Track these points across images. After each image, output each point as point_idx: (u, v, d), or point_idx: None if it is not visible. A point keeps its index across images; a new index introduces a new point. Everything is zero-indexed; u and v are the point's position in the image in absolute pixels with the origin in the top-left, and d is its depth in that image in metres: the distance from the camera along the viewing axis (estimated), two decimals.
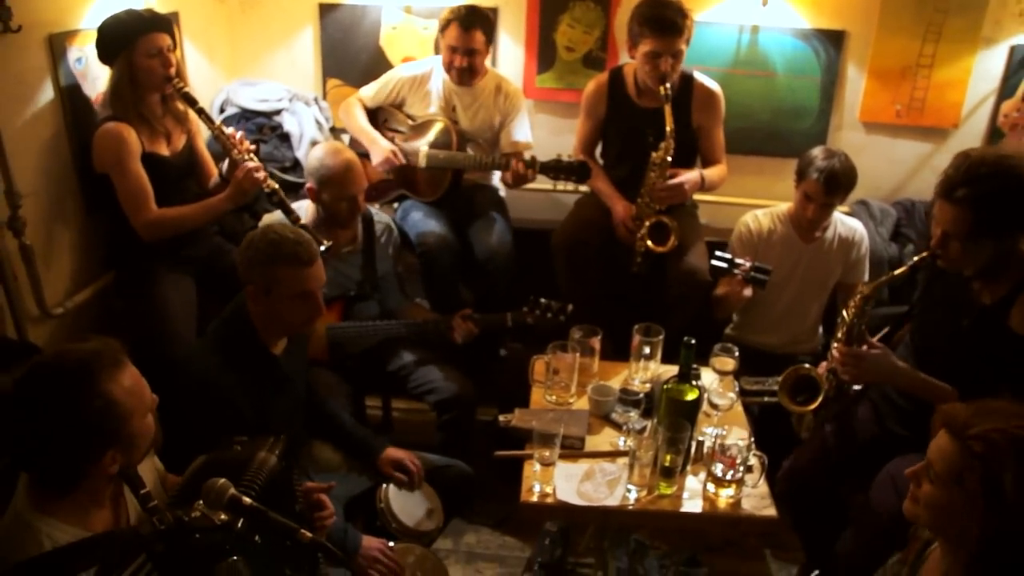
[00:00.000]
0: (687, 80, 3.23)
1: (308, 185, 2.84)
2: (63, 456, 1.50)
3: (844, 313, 2.54)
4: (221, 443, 1.84)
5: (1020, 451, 1.40)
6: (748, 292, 3.01)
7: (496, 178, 3.60)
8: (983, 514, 1.42)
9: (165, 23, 2.75)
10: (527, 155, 3.23)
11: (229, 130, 2.84)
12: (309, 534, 1.47)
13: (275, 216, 2.94)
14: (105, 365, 1.53)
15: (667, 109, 3.05)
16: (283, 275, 2.14)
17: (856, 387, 2.68)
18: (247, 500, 1.45)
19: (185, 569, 1.44)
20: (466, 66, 3.28)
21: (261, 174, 2.79)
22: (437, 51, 3.64)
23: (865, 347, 2.44)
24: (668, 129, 3.06)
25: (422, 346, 3.02)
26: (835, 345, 2.53)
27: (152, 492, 1.67)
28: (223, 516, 1.44)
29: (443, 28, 3.28)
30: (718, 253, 3.03)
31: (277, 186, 2.83)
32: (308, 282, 2.18)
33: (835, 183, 2.95)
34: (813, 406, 2.57)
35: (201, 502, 1.45)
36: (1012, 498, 1.39)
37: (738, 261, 2.97)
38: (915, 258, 2.39)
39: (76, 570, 1.38)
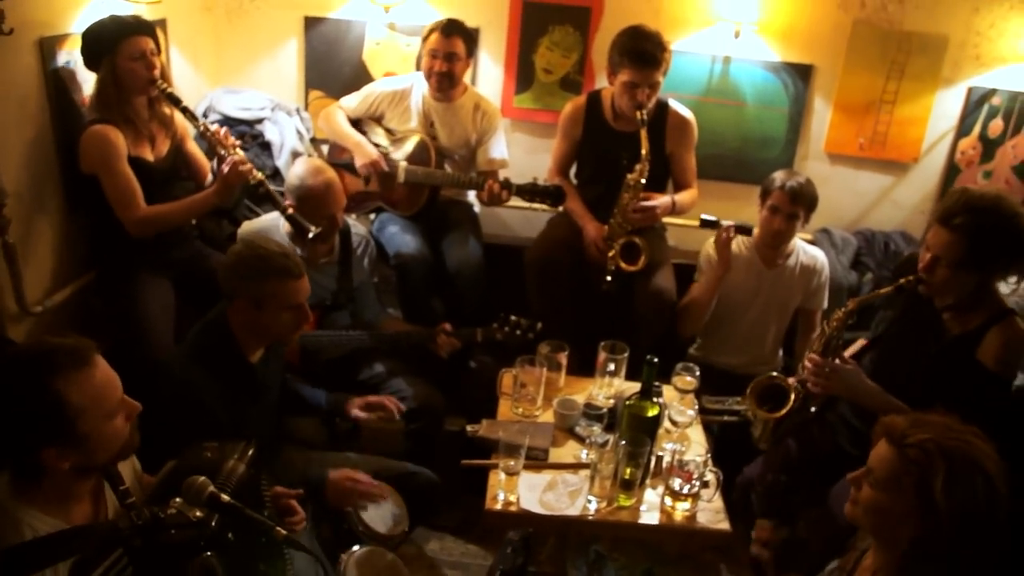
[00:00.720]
0: (662, 107, 3.34)
1: (288, 202, 2.89)
2: (6, 443, 1.53)
3: (824, 326, 2.64)
4: (192, 448, 1.89)
5: (950, 459, 1.53)
6: (733, 246, 3.19)
7: (472, 194, 3.69)
8: (916, 516, 1.55)
9: (148, 27, 2.80)
10: (502, 175, 3.32)
11: (214, 127, 2.90)
12: (283, 531, 1.53)
13: (254, 225, 3.00)
14: (64, 363, 1.53)
15: (643, 133, 3.14)
16: (275, 289, 2.20)
17: (813, 409, 2.80)
18: (225, 497, 1.51)
19: (160, 564, 1.47)
20: (445, 71, 3.35)
21: (247, 166, 2.84)
22: (419, 67, 3.73)
23: (838, 361, 2.54)
24: (643, 152, 3.15)
25: (393, 356, 3.08)
26: (809, 355, 2.61)
27: (131, 489, 1.73)
28: (198, 513, 1.47)
29: (425, 38, 3.37)
30: (703, 216, 3.25)
31: (262, 177, 2.89)
32: (298, 295, 2.26)
33: (799, 192, 3.07)
34: (780, 413, 2.66)
35: (178, 499, 1.50)
36: (941, 502, 1.51)
37: (724, 222, 3.16)
38: (902, 280, 2.48)
39: (56, 559, 1.43)
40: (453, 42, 3.32)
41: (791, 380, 2.69)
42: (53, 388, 1.51)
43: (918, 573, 1.59)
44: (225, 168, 2.82)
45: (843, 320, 2.59)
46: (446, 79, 3.38)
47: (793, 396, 2.63)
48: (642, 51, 3.09)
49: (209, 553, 1.46)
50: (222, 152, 2.84)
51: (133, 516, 1.49)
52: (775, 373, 2.71)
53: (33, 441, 1.52)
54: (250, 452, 1.83)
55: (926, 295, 2.46)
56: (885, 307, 2.82)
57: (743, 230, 3.13)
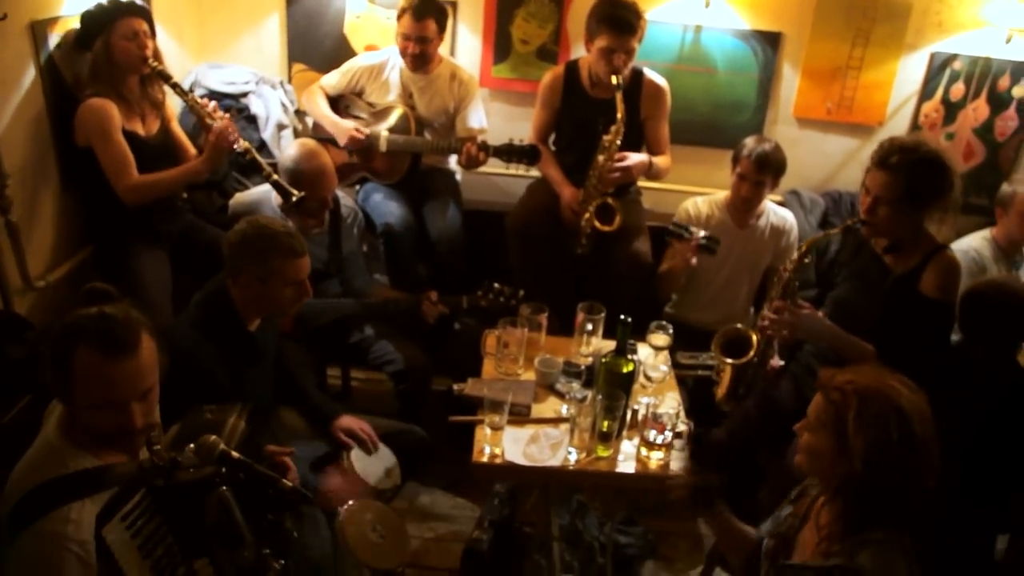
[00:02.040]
0: (637, 75, 3.43)
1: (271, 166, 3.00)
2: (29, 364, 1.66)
3: (781, 270, 2.80)
4: (193, 411, 2.02)
5: (864, 398, 1.68)
6: (694, 261, 3.27)
7: (452, 161, 3.79)
8: (834, 453, 1.70)
9: (142, 10, 2.91)
10: (480, 139, 3.42)
11: (203, 100, 3.01)
12: (289, 483, 1.67)
13: (245, 197, 3.11)
14: (94, 339, 1.59)
15: (619, 97, 3.24)
16: (279, 266, 2.33)
17: (780, 363, 2.96)
18: (235, 454, 1.65)
19: (180, 500, 1.62)
20: (418, 53, 3.45)
21: (233, 132, 2.95)
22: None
23: (797, 304, 2.71)
24: (619, 115, 3.24)
25: (378, 318, 3.20)
26: (770, 304, 2.76)
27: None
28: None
29: (399, 17, 3.44)
30: (675, 221, 3.30)
31: (248, 145, 3.01)
32: (300, 271, 2.39)
33: (765, 161, 3.22)
34: (744, 359, 2.80)
35: (191, 445, 1.64)
36: (851, 436, 1.67)
37: (692, 229, 3.23)
38: (848, 221, 2.70)
39: (84, 493, 1.56)
40: (425, 25, 3.39)
41: (751, 328, 2.84)
42: (71, 350, 1.59)
43: (856, 512, 1.71)
44: (212, 136, 2.92)
45: (798, 263, 2.75)
46: (419, 59, 3.48)
47: (756, 342, 2.77)
48: (618, 17, 3.18)
49: (224, 488, 1.59)
50: (209, 123, 2.95)
51: (155, 459, 1.62)
52: (739, 325, 2.85)
53: (42, 372, 1.63)
54: (247, 411, 1.95)
55: (868, 236, 2.68)
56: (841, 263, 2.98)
57: (708, 249, 3.21)
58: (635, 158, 3.39)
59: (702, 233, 3.23)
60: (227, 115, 3.05)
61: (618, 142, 3.30)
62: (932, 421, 1.68)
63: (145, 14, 2.91)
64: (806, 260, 2.78)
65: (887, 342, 2.58)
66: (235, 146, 2.96)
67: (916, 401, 1.68)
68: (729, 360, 2.82)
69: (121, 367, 1.61)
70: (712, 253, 3.23)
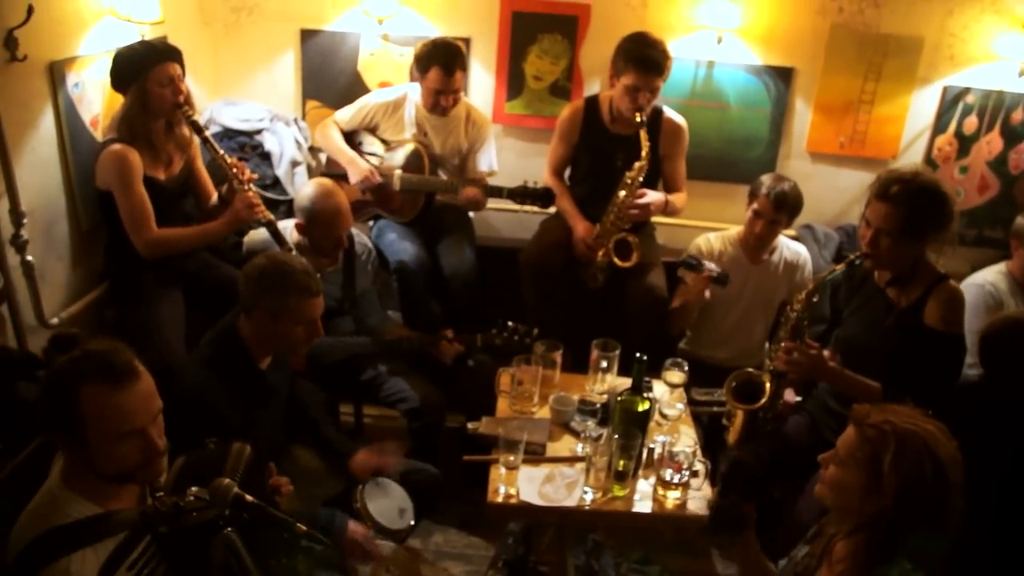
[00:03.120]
0: (657, 113, 3.44)
1: (297, 221, 3.01)
2: (31, 411, 1.64)
3: (788, 310, 2.77)
4: (193, 446, 1.98)
5: (901, 440, 1.66)
6: (708, 294, 3.25)
7: None
8: (866, 490, 1.68)
9: (176, 53, 2.91)
10: (485, 181, 3.46)
11: (231, 159, 3.00)
12: (303, 527, 1.65)
13: (260, 235, 3.12)
14: (95, 373, 1.60)
15: (642, 134, 3.26)
16: (295, 305, 2.32)
17: (796, 399, 2.93)
18: (248, 498, 1.63)
19: (185, 546, 1.58)
20: (451, 103, 3.48)
21: (259, 207, 2.96)
22: (412, 77, 3.83)
23: (805, 344, 2.68)
24: (643, 152, 3.27)
25: (393, 356, 3.19)
26: (780, 344, 2.73)
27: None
28: None
29: (423, 69, 3.43)
30: (688, 254, 3.28)
31: (272, 217, 3.01)
32: (315, 311, 2.39)
33: (783, 200, 3.21)
34: (757, 405, 2.76)
35: (194, 488, 1.61)
36: (887, 476, 1.64)
37: (706, 263, 3.21)
38: (851, 256, 2.68)
39: (87, 542, 1.55)
40: (455, 79, 3.41)
41: (763, 372, 2.80)
42: (74, 389, 1.59)
43: (876, 552, 1.70)
44: (239, 204, 2.92)
45: (806, 302, 2.73)
46: (451, 107, 3.51)
47: (768, 388, 2.73)
48: (647, 58, 3.20)
49: (230, 529, 1.56)
50: (237, 187, 2.95)
51: (157, 504, 1.60)
52: (750, 369, 2.82)
53: (44, 419, 1.63)
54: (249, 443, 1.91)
55: (872, 269, 2.67)
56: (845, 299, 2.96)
57: (719, 281, 3.19)
58: (653, 196, 3.40)
59: (715, 266, 3.21)
60: (255, 177, 3.05)
61: (640, 179, 3.31)
62: (963, 469, 1.66)
63: (178, 56, 2.90)
64: (814, 299, 2.75)
65: (896, 377, 2.55)
66: (260, 218, 2.97)
67: (951, 449, 1.67)
68: (741, 405, 2.79)
69: (130, 393, 1.63)
70: (723, 285, 3.21)
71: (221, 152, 2.99)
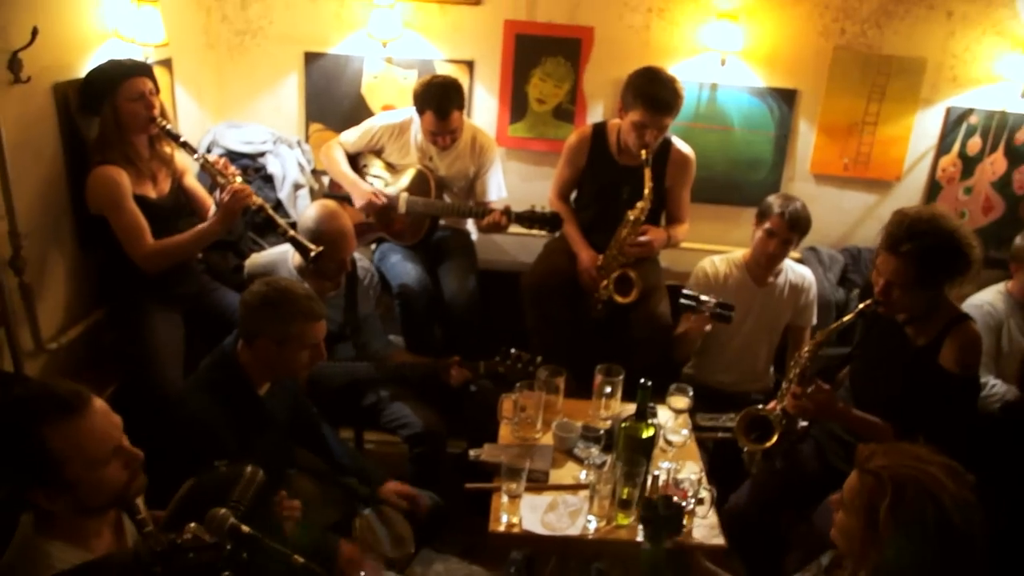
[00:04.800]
0: (665, 143, 3.41)
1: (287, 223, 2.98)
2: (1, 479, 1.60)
3: (797, 356, 2.76)
4: (206, 468, 1.96)
5: (898, 486, 1.59)
6: (708, 327, 3.21)
7: (470, 222, 3.78)
8: (866, 538, 1.63)
9: (145, 68, 2.90)
10: (501, 204, 3.42)
11: (213, 157, 2.98)
12: (301, 559, 1.61)
13: (260, 258, 3.10)
14: (50, 410, 1.57)
15: (647, 172, 3.23)
16: (299, 331, 2.30)
17: (803, 425, 2.90)
18: (245, 528, 1.60)
19: None
20: (448, 142, 3.48)
21: (246, 192, 2.92)
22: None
23: (814, 388, 2.65)
24: (646, 191, 3.24)
25: (397, 382, 3.16)
26: (786, 386, 2.74)
27: (147, 519, 1.81)
28: (212, 537, 1.54)
29: (419, 111, 3.42)
30: (685, 292, 3.22)
31: (262, 202, 2.98)
32: (320, 334, 2.37)
33: (796, 220, 3.18)
34: (767, 444, 2.73)
35: (193, 525, 1.58)
36: (883, 527, 1.59)
37: (703, 298, 3.17)
38: (860, 305, 2.65)
39: None
40: (450, 121, 3.38)
41: (771, 405, 2.78)
42: (37, 434, 1.55)
43: None
44: (226, 196, 2.89)
45: (813, 351, 2.72)
46: (448, 146, 3.51)
47: (776, 427, 2.71)
48: (656, 97, 3.16)
49: (227, 573, 1.53)
50: (222, 181, 2.92)
51: (152, 543, 1.56)
52: (760, 406, 2.79)
53: (19, 481, 1.58)
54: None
55: (884, 314, 2.62)
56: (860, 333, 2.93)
57: (722, 317, 3.14)
58: (656, 235, 3.39)
59: (714, 301, 3.16)
60: (238, 172, 3.02)
61: (643, 218, 3.29)
62: (977, 510, 1.59)
63: (148, 71, 2.89)
64: (819, 351, 2.74)
65: (909, 416, 2.52)
66: (250, 204, 2.94)
67: (957, 492, 1.58)
68: (753, 445, 2.77)
69: (93, 416, 1.62)
70: (727, 321, 3.16)
71: (201, 154, 2.97)
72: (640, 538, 2.35)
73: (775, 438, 2.71)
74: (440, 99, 3.34)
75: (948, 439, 2.01)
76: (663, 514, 2.10)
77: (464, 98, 3.47)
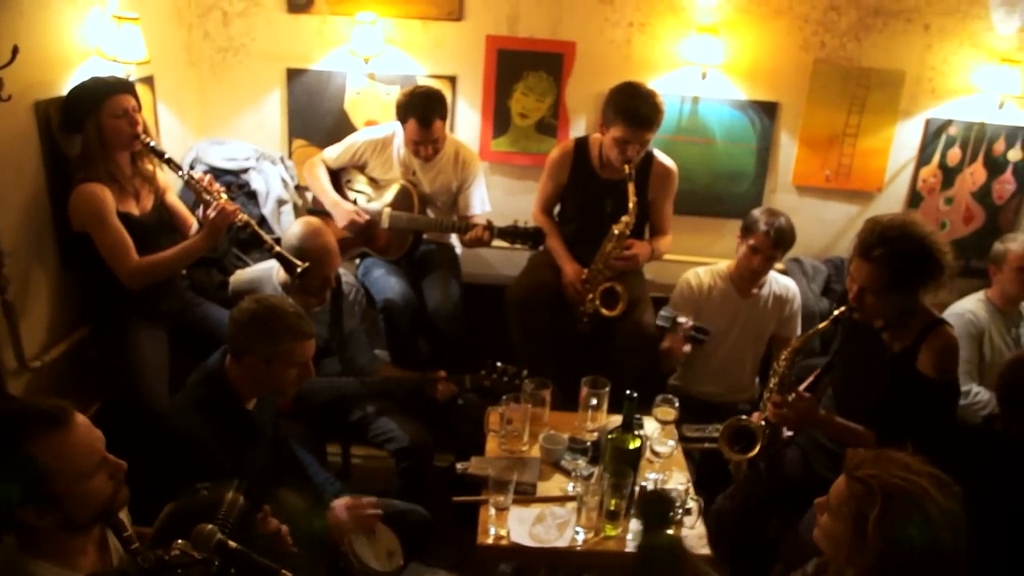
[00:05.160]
0: (647, 157, 3.42)
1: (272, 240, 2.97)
2: None
3: (775, 365, 2.78)
4: (187, 491, 1.95)
5: (887, 496, 1.60)
6: (687, 348, 3.24)
7: (453, 236, 3.79)
8: (853, 545, 1.63)
9: (127, 86, 2.89)
10: (484, 219, 3.43)
11: (197, 174, 2.97)
12: (288, 574, 1.61)
13: (245, 275, 3.09)
14: (36, 426, 1.58)
15: (630, 187, 3.24)
16: (287, 349, 2.30)
17: (788, 433, 2.92)
18: (232, 544, 1.59)
19: None
20: (432, 152, 3.48)
21: (232, 208, 2.91)
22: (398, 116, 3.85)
23: (794, 396, 2.67)
24: (631, 206, 3.25)
25: (383, 397, 3.15)
26: (768, 395, 2.76)
27: (133, 536, 1.80)
28: (199, 553, 1.54)
29: (402, 120, 3.43)
30: (663, 313, 3.24)
31: (247, 218, 2.97)
32: (308, 352, 2.37)
33: (781, 238, 3.21)
34: (751, 454, 2.76)
35: (181, 541, 1.57)
36: (871, 536, 1.59)
37: (680, 320, 3.19)
38: (835, 311, 2.67)
39: None
40: (433, 130, 3.39)
41: (755, 417, 2.80)
42: (25, 451, 1.55)
43: None
44: (212, 213, 2.88)
45: (791, 358, 2.75)
46: (432, 156, 3.51)
47: (760, 437, 2.73)
48: (637, 113, 3.17)
49: None
50: (207, 198, 2.91)
51: (139, 560, 1.55)
52: (743, 416, 2.80)
53: (8, 500, 1.57)
54: (244, 486, 1.88)
55: (860, 320, 2.64)
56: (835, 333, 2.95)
57: (697, 340, 3.20)
58: (640, 249, 3.40)
59: (690, 323, 3.21)
60: (223, 189, 3.02)
61: (628, 232, 3.31)
62: (964, 522, 1.59)
63: (131, 88, 2.89)
64: (796, 359, 2.77)
65: (890, 423, 2.54)
66: (236, 220, 2.93)
67: (946, 504, 1.59)
68: (738, 455, 2.79)
69: (78, 429, 1.64)
70: (700, 343, 3.21)
71: (185, 171, 2.96)
72: (630, 538, 2.37)
73: (758, 448, 2.73)
74: (423, 108, 3.36)
75: (930, 445, 2.03)
76: (659, 504, 2.10)
77: (447, 108, 3.48)
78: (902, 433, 2.46)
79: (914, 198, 4.09)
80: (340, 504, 2.57)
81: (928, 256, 2.45)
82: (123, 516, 1.87)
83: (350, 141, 3.67)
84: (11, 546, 1.63)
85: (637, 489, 2.51)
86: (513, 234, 3.29)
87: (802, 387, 2.74)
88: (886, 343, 2.64)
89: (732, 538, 2.80)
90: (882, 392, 2.61)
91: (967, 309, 3.51)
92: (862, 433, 2.59)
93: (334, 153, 3.68)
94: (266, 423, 2.52)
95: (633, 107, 3.18)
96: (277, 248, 2.93)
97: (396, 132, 3.60)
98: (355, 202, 3.61)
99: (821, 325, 2.75)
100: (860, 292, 2.54)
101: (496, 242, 3.46)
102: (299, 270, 2.87)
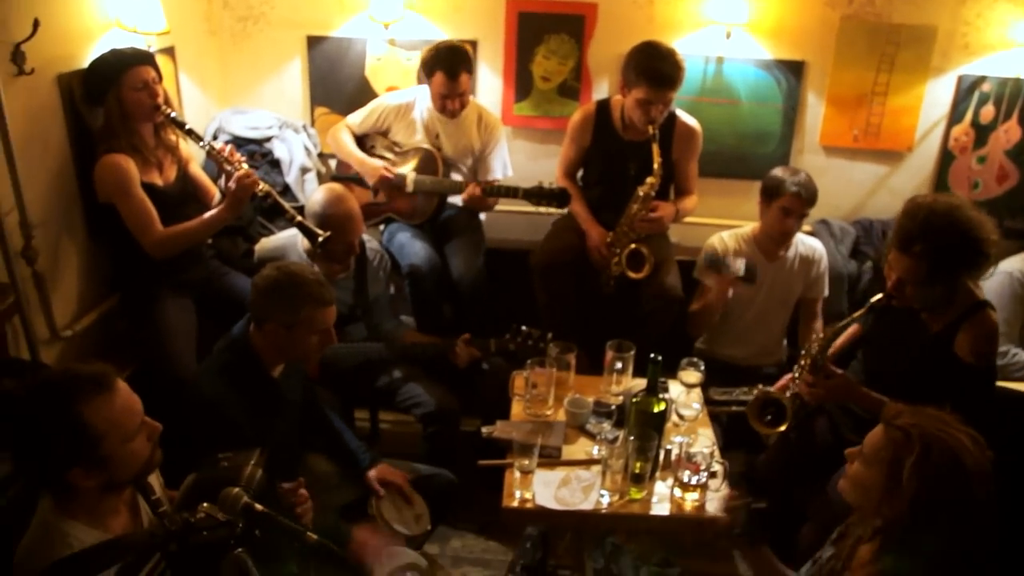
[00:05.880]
0: (670, 117, 3.38)
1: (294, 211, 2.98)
2: (36, 462, 1.66)
3: (808, 346, 2.75)
4: (208, 460, 1.98)
5: (926, 445, 1.60)
6: (731, 293, 3.21)
7: None
8: (886, 490, 1.63)
9: (148, 57, 2.90)
10: (497, 183, 3.46)
11: (219, 145, 2.98)
12: (314, 536, 1.63)
13: (270, 242, 3.11)
14: (87, 389, 1.63)
15: (655, 148, 3.21)
16: (308, 316, 2.31)
17: None
18: (259, 507, 1.61)
19: (195, 565, 1.57)
20: (458, 106, 3.46)
21: (252, 178, 2.91)
22: (420, 81, 3.82)
23: (828, 374, 2.66)
24: (655, 166, 3.22)
25: (408, 362, 3.17)
26: (798, 374, 2.74)
27: (161, 499, 1.84)
28: (224, 515, 1.56)
29: (429, 73, 3.41)
30: (711, 256, 3.22)
31: (269, 188, 2.98)
32: (329, 320, 2.38)
33: (812, 194, 3.18)
34: (781, 428, 2.75)
35: (206, 504, 1.60)
36: (906, 482, 1.59)
37: (729, 261, 3.16)
38: (872, 299, 2.60)
39: (99, 569, 1.52)
40: (459, 81, 3.38)
41: (782, 388, 2.80)
42: (77, 413, 1.61)
43: (895, 554, 1.65)
44: (232, 184, 2.89)
45: (823, 345, 2.70)
46: (459, 110, 3.49)
47: (790, 410, 2.72)
48: (658, 72, 3.13)
49: (240, 549, 1.55)
50: (228, 168, 2.92)
51: (166, 523, 1.59)
52: (771, 389, 2.80)
53: (60, 462, 1.63)
54: (263, 456, 1.91)
55: (899, 306, 2.57)
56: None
57: (748, 280, 3.15)
58: (665, 210, 3.37)
59: (741, 263, 3.15)
60: (244, 159, 3.02)
61: (653, 194, 3.28)
62: (993, 484, 1.60)
63: (151, 60, 2.89)
64: (828, 345, 2.72)
65: (923, 400, 2.49)
66: (257, 190, 2.94)
67: (980, 460, 1.60)
68: (768, 429, 2.79)
69: (121, 393, 1.71)
70: (751, 283, 3.17)
71: (207, 141, 2.97)
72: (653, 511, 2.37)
73: (787, 421, 2.72)
74: (451, 60, 3.36)
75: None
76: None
77: (472, 63, 3.47)
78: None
79: (945, 158, 4.00)
80: (374, 474, 2.63)
81: (972, 247, 2.38)
82: (154, 480, 1.91)
83: (374, 105, 3.66)
84: (47, 508, 1.69)
85: (662, 453, 2.52)
86: (539, 195, 3.27)
87: (830, 351, 2.71)
88: (925, 323, 2.59)
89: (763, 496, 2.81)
90: (916, 372, 2.57)
91: (1015, 268, 3.42)
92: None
93: (358, 118, 3.67)
94: (294, 391, 2.54)
95: (654, 67, 3.13)
96: (299, 218, 2.94)
97: (419, 97, 3.59)
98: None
99: (857, 314, 2.70)
100: (899, 282, 2.48)
101: (520, 206, 3.44)
102: (320, 239, 2.88)
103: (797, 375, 2.75)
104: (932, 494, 1.57)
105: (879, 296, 2.56)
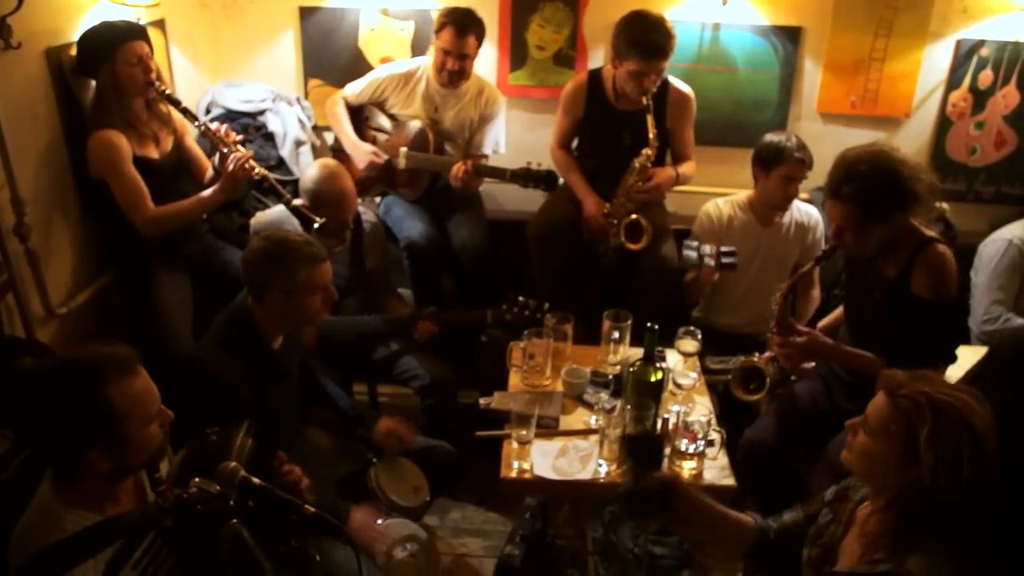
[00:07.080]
0: (663, 85, 3.36)
1: (302, 202, 2.98)
2: (55, 442, 1.65)
3: (772, 308, 2.77)
4: (196, 437, 1.98)
5: (937, 412, 1.59)
6: (717, 276, 3.21)
7: None
8: (901, 464, 1.62)
9: (141, 32, 2.87)
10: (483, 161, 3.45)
11: (215, 125, 2.96)
12: (312, 508, 1.63)
13: (266, 216, 3.10)
14: (113, 370, 1.64)
15: (649, 119, 3.19)
16: (306, 276, 2.31)
17: (809, 365, 2.91)
18: (256, 480, 1.62)
19: (192, 539, 1.57)
20: (457, 69, 3.39)
21: (250, 162, 2.91)
22: (415, 52, 3.78)
23: (795, 335, 2.69)
24: (651, 136, 3.20)
25: (405, 336, 3.17)
26: (770, 336, 2.77)
27: (163, 477, 1.84)
28: (217, 487, 1.57)
29: (438, 30, 3.36)
30: (687, 252, 3.19)
31: (266, 172, 2.96)
32: (327, 276, 2.39)
33: (811, 158, 3.19)
34: (761, 394, 2.81)
35: (197, 479, 1.60)
36: (923, 451, 1.58)
37: (705, 250, 3.15)
38: (822, 249, 2.70)
39: (93, 551, 1.51)
40: (466, 41, 3.33)
41: (766, 355, 2.83)
42: (103, 393, 1.61)
43: (911, 523, 1.64)
44: (229, 165, 2.87)
45: (782, 300, 2.74)
46: (457, 76, 3.42)
47: (767, 376, 2.77)
48: (649, 43, 3.10)
49: (235, 520, 1.56)
50: (224, 149, 2.91)
51: (160, 501, 1.59)
52: (753, 357, 2.84)
53: (81, 442, 1.62)
54: (252, 427, 1.91)
55: (847, 255, 2.65)
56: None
57: (728, 266, 3.15)
58: (663, 175, 3.35)
59: (721, 249, 3.15)
60: (239, 139, 3.00)
61: (648, 164, 3.25)
62: (999, 439, 1.60)
63: (144, 35, 2.86)
64: (786, 300, 2.78)
65: (897, 346, 2.51)
66: (253, 175, 2.92)
67: (987, 418, 1.60)
68: (751, 396, 2.84)
69: (143, 376, 1.72)
70: (733, 269, 3.17)
71: (202, 120, 2.96)
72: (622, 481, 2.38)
73: (767, 387, 2.78)
74: (463, 18, 3.31)
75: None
76: (645, 445, 2.09)
77: (484, 34, 3.41)
78: (910, 357, 2.43)
79: (943, 123, 3.97)
80: (382, 426, 2.67)
81: (897, 185, 2.41)
82: (164, 468, 1.91)
83: (373, 76, 3.62)
84: (47, 494, 1.68)
85: (659, 422, 2.52)
86: (525, 177, 3.25)
87: (823, 322, 2.73)
88: (880, 269, 2.62)
89: (759, 470, 2.82)
90: (884, 319, 2.60)
91: (1015, 235, 3.41)
92: (871, 359, 2.59)
93: (356, 89, 3.63)
94: (292, 363, 2.55)
95: (645, 38, 3.11)
96: (294, 203, 2.93)
97: (420, 66, 3.55)
98: (374, 141, 3.58)
99: (805, 267, 2.79)
100: (838, 230, 2.54)
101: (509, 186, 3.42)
102: (316, 225, 2.87)
103: (769, 337, 2.79)
104: (949, 459, 1.56)
105: (825, 248, 2.64)
